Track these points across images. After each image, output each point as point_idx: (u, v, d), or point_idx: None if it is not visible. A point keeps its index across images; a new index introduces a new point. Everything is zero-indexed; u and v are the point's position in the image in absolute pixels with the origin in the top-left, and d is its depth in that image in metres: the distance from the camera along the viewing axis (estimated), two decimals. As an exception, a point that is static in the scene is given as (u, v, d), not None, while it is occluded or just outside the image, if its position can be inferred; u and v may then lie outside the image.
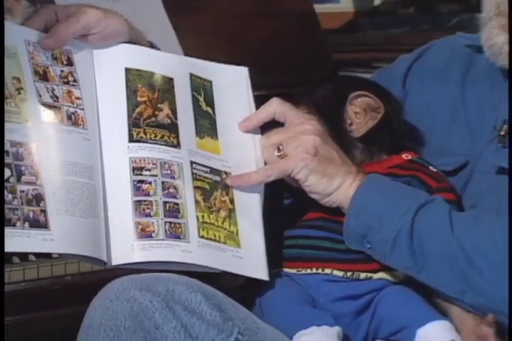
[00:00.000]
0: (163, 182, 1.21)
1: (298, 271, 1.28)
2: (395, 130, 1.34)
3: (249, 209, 1.28)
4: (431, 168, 1.33)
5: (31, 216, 1.10)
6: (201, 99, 1.29)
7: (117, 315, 1.12)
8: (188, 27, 1.78)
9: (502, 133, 1.32)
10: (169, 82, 1.27)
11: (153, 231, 1.18)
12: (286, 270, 1.30)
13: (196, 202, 1.21)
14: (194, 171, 1.23)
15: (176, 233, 1.18)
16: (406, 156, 1.33)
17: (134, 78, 1.25)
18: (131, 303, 1.12)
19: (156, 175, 1.21)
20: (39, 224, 1.10)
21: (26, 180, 1.12)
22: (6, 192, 1.09)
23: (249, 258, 1.24)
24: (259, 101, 1.32)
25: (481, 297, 1.18)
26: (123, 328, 1.12)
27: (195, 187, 1.22)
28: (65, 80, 1.21)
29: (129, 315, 1.12)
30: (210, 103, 1.29)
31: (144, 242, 1.17)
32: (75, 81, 1.22)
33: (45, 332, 1.27)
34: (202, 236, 1.20)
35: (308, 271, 1.28)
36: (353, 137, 1.32)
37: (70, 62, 1.22)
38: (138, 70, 1.26)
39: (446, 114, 1.40)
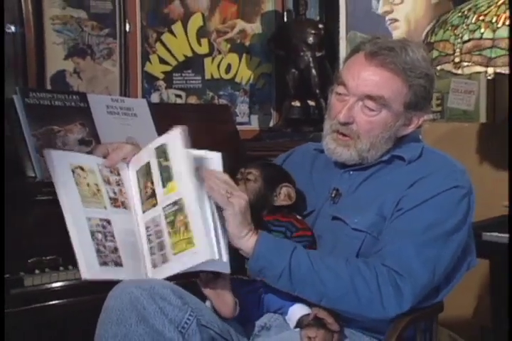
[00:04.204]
0: (155, 232, 1.17)
1: None
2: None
3: (198, 215, 1.12)
4: (297, 216, 1.30)
5: (115, 259, 1.13)
6: (162, 160, 1.18)
7: (122, 301, 1.11)
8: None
9: (333, 195, 1.29)
10: (148, 165, 1.21)
11: (156, 263, 1.16)
12: None
13: (168, 233, 1.14)
14: (165, 213, 1.15)
15: (163, 260, 1.15)
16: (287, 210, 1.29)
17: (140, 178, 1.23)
18: (130, 295, 1.11)
19: (152, 229, 1.18)
20: (119, 264, 1.14)
21: (109, 239, 1.15)
22: (101, 246, 1.13)
23: (201, 249, 1.10)
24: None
25: (329, 303, 1.15)
26: (125, 309, 1.10)
27: (167, 223, 1.15)
28: (118, 183, 1.22)
29: (128, 301, 1.10)
30: (168, 158, 1.18)
31: (154, 270, 1.16)
32: (122, 184, 1.22)
33: (86, 308, 1.21)
34: (174, 254, 1.13)
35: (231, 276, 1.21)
36: (272, 203, 1.28)
37: (118, 173, 1.23)
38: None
39: (303, 187, 1.33)
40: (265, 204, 1.28)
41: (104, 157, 1.24)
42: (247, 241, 1.16)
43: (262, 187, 1.28)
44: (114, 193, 1.20)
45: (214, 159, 1.21)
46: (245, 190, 1.27)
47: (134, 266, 1.16)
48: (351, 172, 1.31)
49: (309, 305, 1.20)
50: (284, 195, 1.28)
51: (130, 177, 1.24)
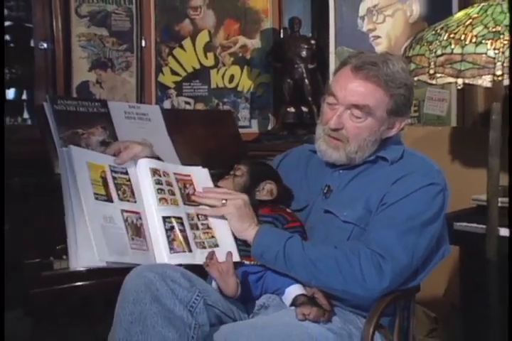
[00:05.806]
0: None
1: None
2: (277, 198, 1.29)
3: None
4: (287, 209, 1.28)
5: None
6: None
7: (137, 284, 1.09)
8: (179, 141, 1.73)
9: (325, 191, 1.28)
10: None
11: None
12: None
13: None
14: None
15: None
16: (276, 204, 1.28)
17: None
18: (144, 278, 1.09)
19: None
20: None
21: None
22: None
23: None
24: (214, 175, 1.31)
25: (318, 282, 1.16)
26: (140, 291, 1.08)
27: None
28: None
29: (143, 284, 1.09)
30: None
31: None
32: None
33: (107, 289, 1.18)
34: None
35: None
36: (254, 197, 1.27)
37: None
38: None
39: (297, 184, 1.34)
40: (249, 198, 1.25)
41: (115, 154, 1.22)
42: (250, 232, 1.20)
43: (246, 182, 1.27)
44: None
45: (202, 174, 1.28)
46: (232, 183, 1.27)
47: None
48: (341, 171, 1.30)
49: (304, 287, 1.18)
50: (266, 191, 1.27)
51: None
